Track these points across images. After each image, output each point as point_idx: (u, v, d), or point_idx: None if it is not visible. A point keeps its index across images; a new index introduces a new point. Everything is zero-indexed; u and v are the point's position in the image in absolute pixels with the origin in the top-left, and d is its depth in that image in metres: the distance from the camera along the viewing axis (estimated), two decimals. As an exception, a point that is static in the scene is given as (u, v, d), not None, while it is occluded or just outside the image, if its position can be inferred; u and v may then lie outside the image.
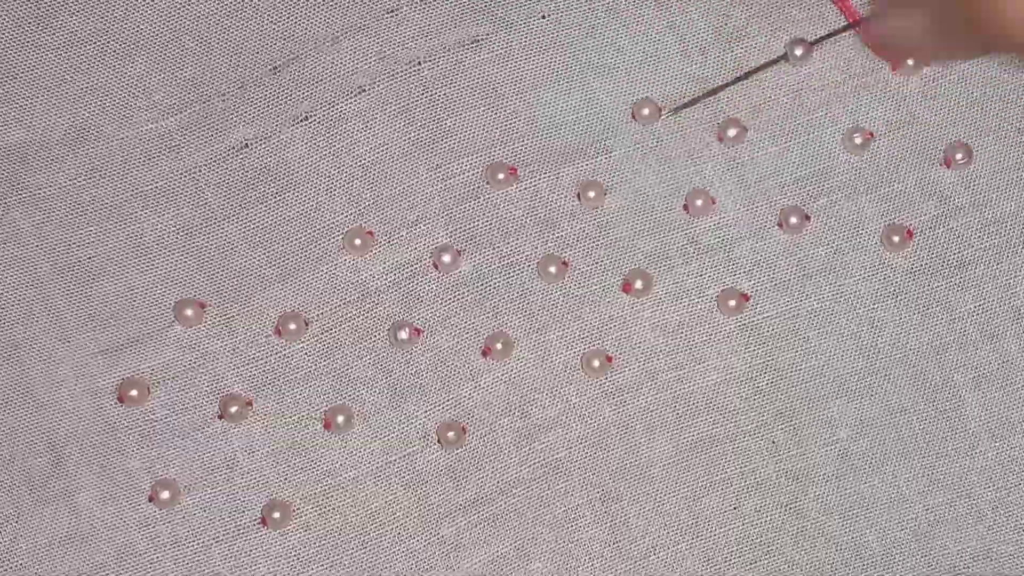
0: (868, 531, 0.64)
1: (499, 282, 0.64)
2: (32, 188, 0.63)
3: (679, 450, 0.64)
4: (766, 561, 0.64)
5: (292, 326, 0.63)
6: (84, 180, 0.64)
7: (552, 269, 0.64)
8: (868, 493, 0.64)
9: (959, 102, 0.65)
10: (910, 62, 0.64)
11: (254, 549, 0.63)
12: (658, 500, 0.64)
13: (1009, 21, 0.52)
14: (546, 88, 0.65)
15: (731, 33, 0.65)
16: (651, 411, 0.64)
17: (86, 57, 0.64)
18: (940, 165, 0.65)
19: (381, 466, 0.63)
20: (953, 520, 0.64)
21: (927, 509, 0.64)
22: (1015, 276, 0.64)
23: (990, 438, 0.64)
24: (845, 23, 0.65)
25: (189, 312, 0.63)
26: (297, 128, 0.64)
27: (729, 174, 0.65)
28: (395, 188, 0.64)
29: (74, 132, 0.64)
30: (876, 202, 0.65)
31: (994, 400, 0.64)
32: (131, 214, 0.64)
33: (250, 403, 0.63)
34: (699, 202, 0.64)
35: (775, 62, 0.64)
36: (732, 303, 0.64)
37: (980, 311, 0.64)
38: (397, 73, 0.64)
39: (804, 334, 0.64)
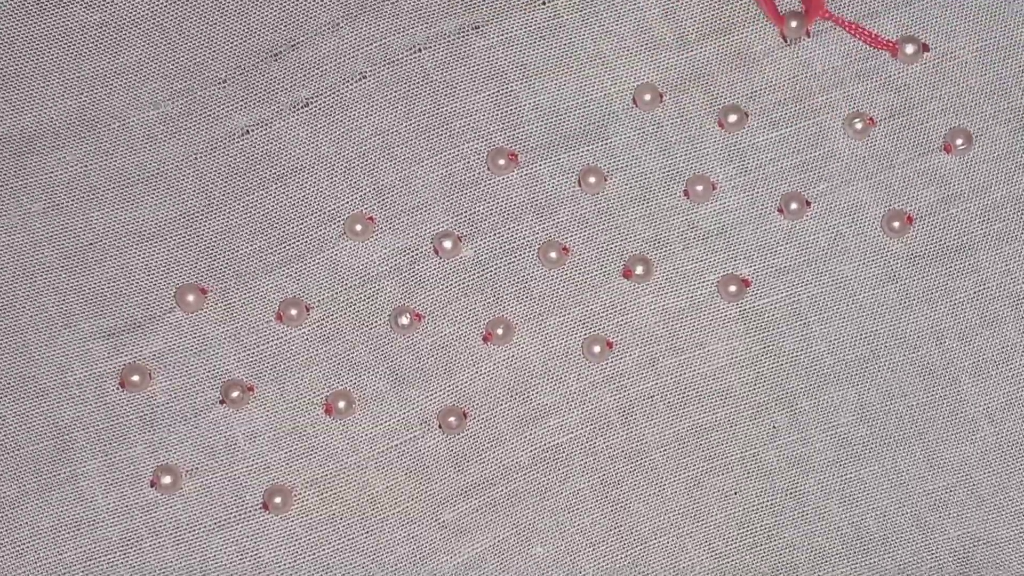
0: (868, 515, 0.64)
1: (500, 268, 0.64)
2: (38, 173, 0.64)
3: (679, 435, 0.64)
4: (767, 546, 0.64)
5: (293, 312, 0.63)
6: (88, 166, 0.64)
7: (553, 255, 0.64)
8: (868, 478, 0.64)
9: (959, 88, 0.65)
10: (908, 49, 0.64)
11: (255, 534, 0.63)
12: (659, 485, 0.64)
13: None
14: (546, 74, 0.65)
15: (728, 19, 0.65)
16: (651, 396, 0.64)
17: (89, 45, 0.64)
18: (940, 151, 0.65)
19: (382, 451, 0.64)
20: (953, 504, 0.64)
21: (927, 494, 0.64)
22: (1015, 262, 0.64)
23: (989, 423, 0.64)
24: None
25: (190, 298, 0.63)
26: (298, 114, 0.64)
27: (729, 160, 0.65)
28: (396, 174, 0.64)
29: (78, 119, 0.64)
30: (876, 188, 0.65)
31: (993, 385, 0.64)
32: (133, 200, 0.64)
33: (251, 388, 0.63)
34: (699, 188, 0.64)
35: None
36: (733, 288, 0.64)
37: (980, 296, 0.64)
38: (397, 59, 0.65)
39: (804, 319, 0.64)
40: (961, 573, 0.64)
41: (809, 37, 0.64)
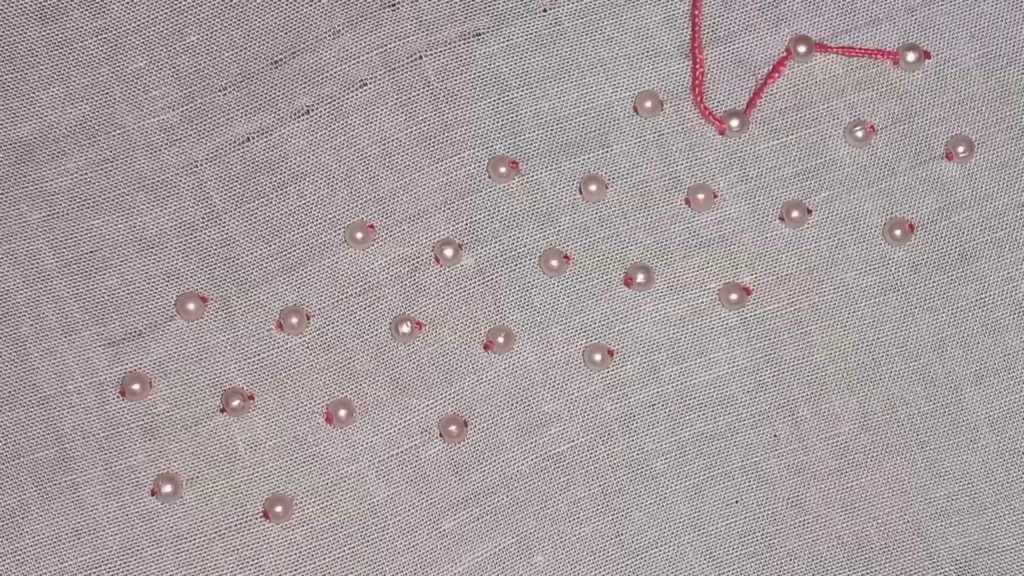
0: (870, 524, 0.64)
1: (501, 276, 0.64)
2: (38, 182, 0.64)
3: (681, 444, 0.64)
4: (768, 555, 0.64)
5: (294, 320, 0.63)
6: (88, 174, 0.64)
7: (554, 263, 0.64)
8: (870, 486, 0.64)
9: (961, 95, 0.65)
10: (910, 57, 0.64)
11: (256, 543, 0.63)
12: (660, 494, 0.64)
13: None
14: (547, 82, 0.65)
15: (729, 28, 0.65)
16: (653, 405, 0.64)
17: (89, 53, 0.64)
18: (942, 159, 0.65)
19: (383, 460, 0.64)
20: (955, 513, 0.64)
21: (929, 502, 0.64)
22: (1017, 269, 0.64)
23: (991, 431, 0.64)
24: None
25: (191, 306, 0.63)
26: (298, 122, 0.64)
27: (731, 168, 0.65)
28: (396, 182, 0.64)
29: (78, 127, 0.64)
30: (878, 196, 0.65)
31: (995, 393, 0.64)
32: (133, 208, 0.64)
33: (252, 397, 0.63)
34: (700, 196, 0.64)
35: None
36: (734, 297, 0.64)
37: (981, 304, 0.64)
38: (398, 67, 0.64)
39: (806, 328, 0.64)
40: (963, 582, 0.64)
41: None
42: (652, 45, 0.65)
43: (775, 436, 0.64)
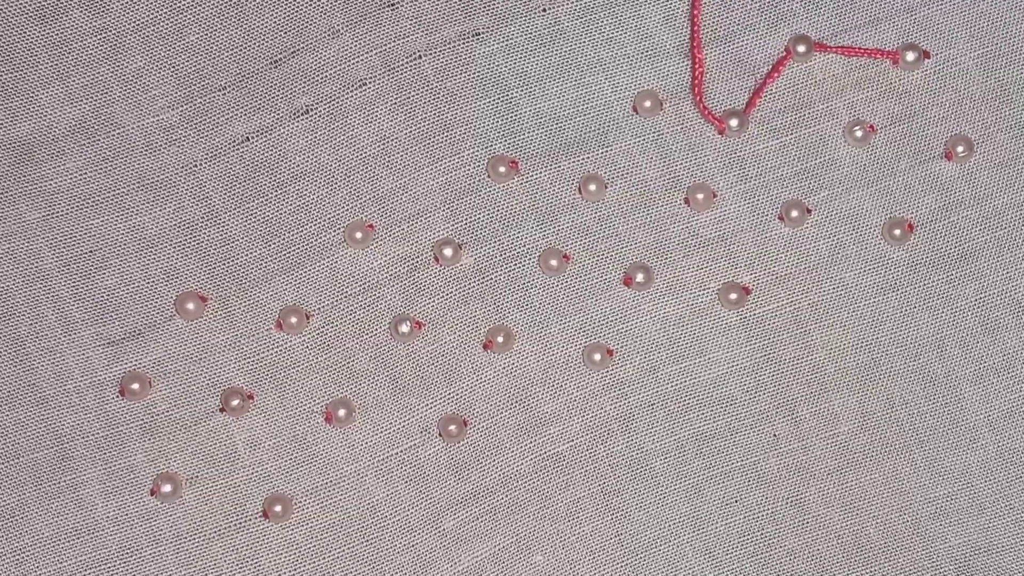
0: (869, 524, 0.64)
1: (500, 275, 0.64)
2: (37, 181, 0.64)
3: (680, 443, 0.64)
4: (767, 554, 0.64)
5: (293, 319, 0.63)
6: (87, 173, 0.64)
7: (553, 262, 0.64)
8: (869, 486, 0.64)
9: (960, 95, 0.65)
10: (909, 56, 0.64)
11: (256, 542, 0.63)
12: (659, 493, 0.64)
13: None
14: (547, 82, 0.65)
15: (729, 27, 0.65)
16: (652, 404, 0.64)
17: (88, 52, 0.64)
18: (941, 158, 0.65)
19: (382, 459, 0.64)
20: (954, 513, 0.64)
21: (928, 502, 0.64)
22: (1016, 269, 0.64)
23: (990, 431, 0.64)
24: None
25: (190, 306, 0.63)
26: (298, 121, 0.64)
27: (730, 167, 0.65)
28: (396, 181, 0.64)
29: (78, 126, 0.64)
30: (877, 195, 0.65)
31: (995, 393, 0.64)
32: (133, 207, 0.64)
33: (251, 396, 0.63)
34: (700, 195, 0.64)
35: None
36: (733, 296, 0.64)
37: (981, 304, 0.64)
38: (398, 66, 0.64)
39: (805, 327, 0.64)
40: (962, 581, 0.64)
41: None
42: (652, 45, 0.65)
43: (775, 436, 0.64)
